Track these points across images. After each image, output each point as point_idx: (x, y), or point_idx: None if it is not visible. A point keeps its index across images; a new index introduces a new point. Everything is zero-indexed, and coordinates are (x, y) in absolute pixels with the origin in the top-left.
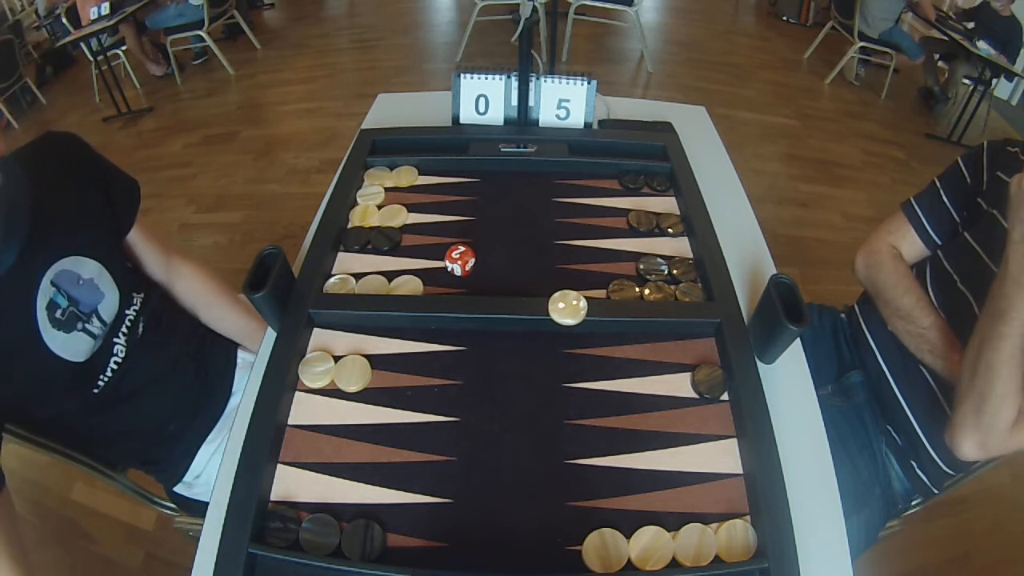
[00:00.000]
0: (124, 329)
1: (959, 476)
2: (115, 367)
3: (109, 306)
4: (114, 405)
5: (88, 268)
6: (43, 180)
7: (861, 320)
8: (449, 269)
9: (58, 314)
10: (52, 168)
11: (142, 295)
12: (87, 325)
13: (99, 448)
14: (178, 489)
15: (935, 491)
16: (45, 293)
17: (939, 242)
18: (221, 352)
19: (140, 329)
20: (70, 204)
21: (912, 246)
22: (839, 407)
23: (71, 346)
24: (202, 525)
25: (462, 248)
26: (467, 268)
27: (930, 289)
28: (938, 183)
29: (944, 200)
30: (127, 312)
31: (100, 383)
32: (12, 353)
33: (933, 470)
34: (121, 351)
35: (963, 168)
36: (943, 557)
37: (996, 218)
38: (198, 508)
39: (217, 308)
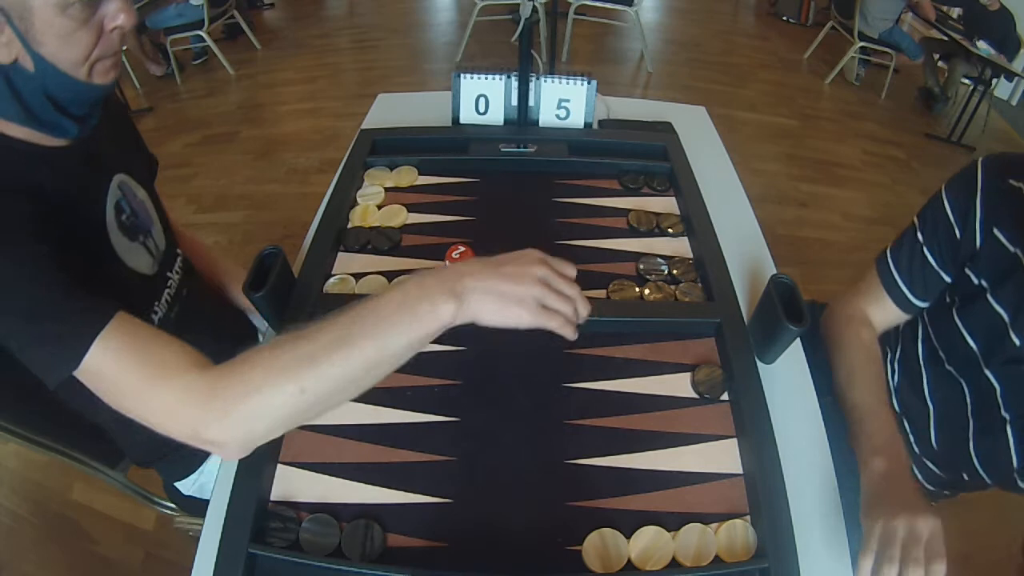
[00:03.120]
0: (175, 270)
1: (953, 495)
2: (167, 302)
3: (158, 236)
4: None
5: (139, 192)
6: (107, 105)
7: None
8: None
9: (123, 218)
10: (113, 102)
11: (182, 256)
12: (145, 242)
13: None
14: (181, 486)
15: (928, 488)
16: (114, 192)
17: (922, 306)
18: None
19: (185, 290)
20: (124, 134)
21: (887, 312)
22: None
23: (133, 256)
24: (202, 525)
25: (462, 248)
26: None
27: (921, 358)
28: (920, 233)
29: (927, 257)
30: (177, 252)
31: (156, 313)
32: (87, 239)
33: (923, 469)
34: (171, 292)
35: (949, 211)
36: None
37: (989, 304)
38: (198, 508)
39: (229, 280)
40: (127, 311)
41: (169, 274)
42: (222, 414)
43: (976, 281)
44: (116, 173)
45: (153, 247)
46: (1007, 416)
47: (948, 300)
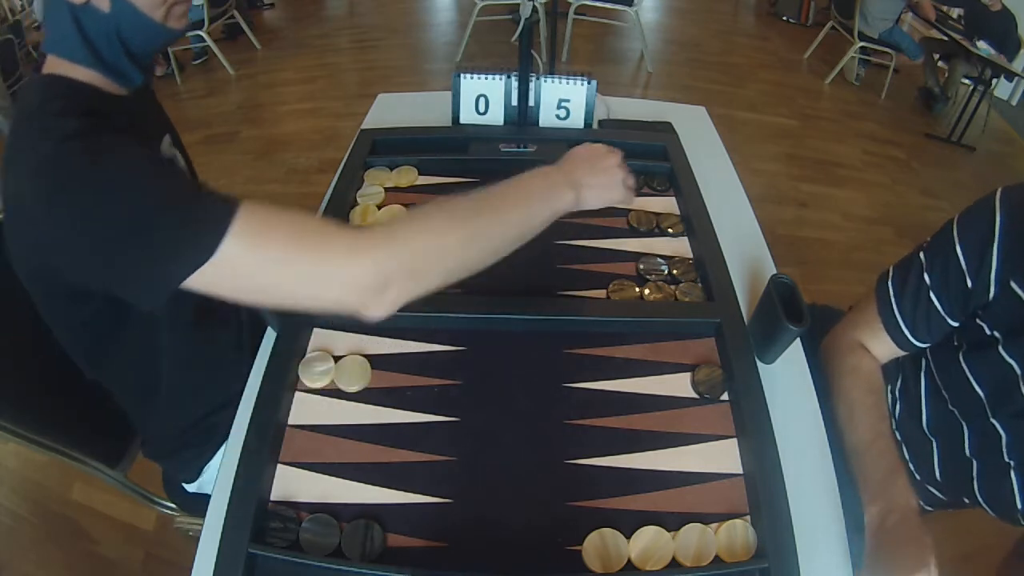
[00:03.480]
0: None
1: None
2: None
3: None
4: (198, 329)
5: (181, 161)
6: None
7: None
8: None
9: None
10: None
11: None
12: None
13: (155, 408)
14: (189, 485)
15: (928, 509)
16: (167, 149)
17: (924, 347)
18: None
19: None
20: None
21: (885, 348)
22: None
23: None
24: (202, 525)
25: None
26: None
27: (923, 393)
28: (927, 275)
29: (933, 302)
30: None
31: None
32: None
33: (924, 494)
34: None
35: (962, 258)
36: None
37: (1000, 355)
38: (198, 507)
39: None
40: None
41: None
42: (395, 251)
43: (988, 332)
44: (165, 134)
45: None
46: (1011, 461)
47: (955, 343)
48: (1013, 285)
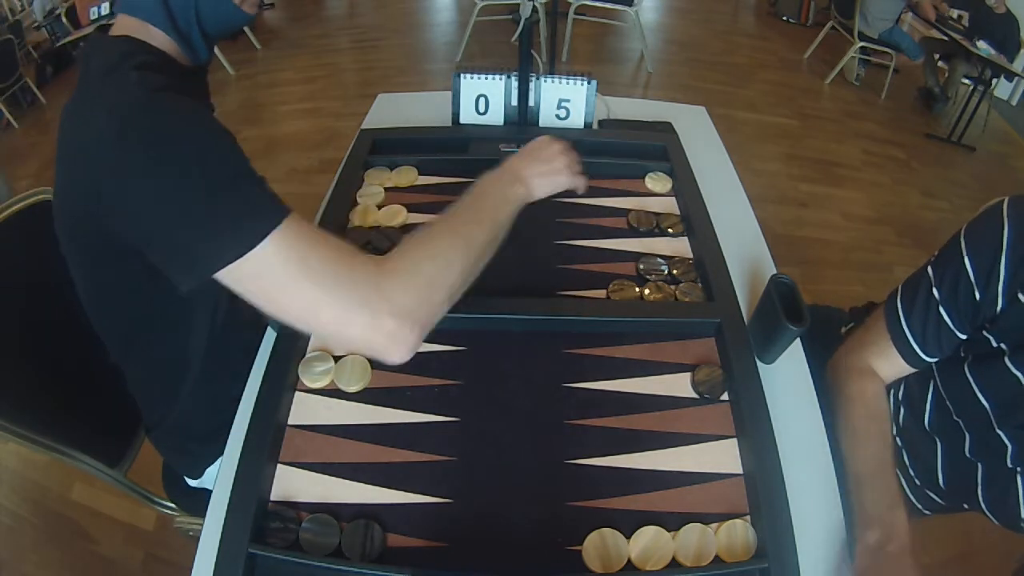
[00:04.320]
0: None
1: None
2: None
3: None
4: (230, 324)
5: None
6: None
7: None
8: None
9: None
10: None
11: None
12: None
13: (176, 394)
14: (192, 481)
15: (926, 513)
16: None
17: (933, 361)
18: None
19: None
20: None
21: (894, 366)
22: None
23: None
24: (202, 525)
25: None
26: None
27: (928, 402)
28: (936, 290)
29: (943, 316)
30: None
31: None
32: None
33: (924, 499)
34: None
35: (971, 271)
36: (943, 557)
37: (1007, 367)
38: (198, 506)
39: None
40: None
41: None
42: (401, 290)
43: (995, 344)
44: (214, 110)
45: None
46: (1016, 468)
47: (961, 354)
48: (1021, 297)
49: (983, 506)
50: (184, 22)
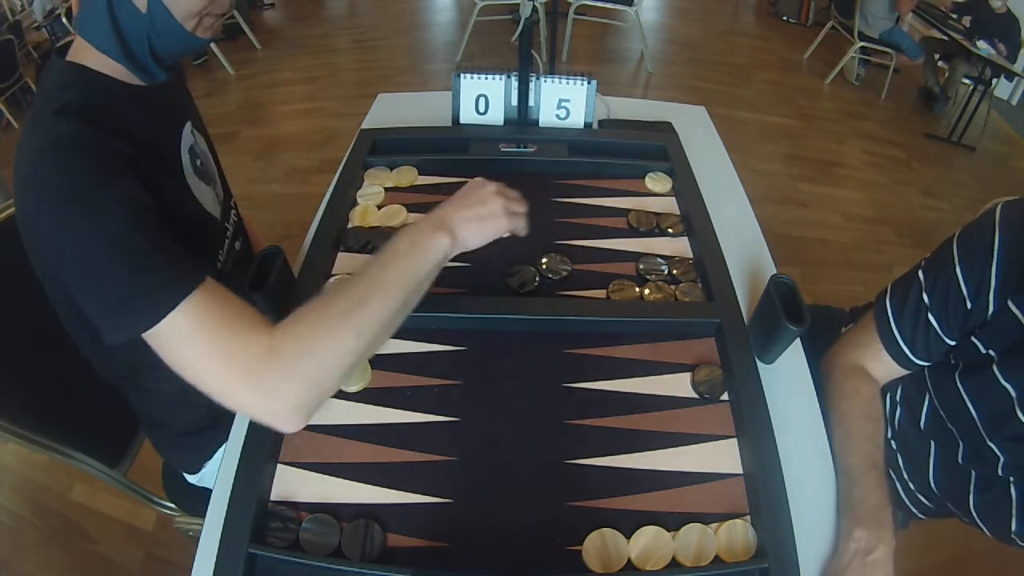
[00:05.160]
0: (231, 221)
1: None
2: (227, 251)
3: (219, 188)
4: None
5: (202, 142)
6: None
7: None
8: None
9: (197, 163)
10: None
11: (235, 208)
12: (213, 187)
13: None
14: (191, 477)
15: (921, 517)
16: (187, 137)
17: (924, 365)
18: None
19: (237, 244)
20: (186, 88)
21: (885, 368)
22: None
23: (207, 199)
24: (202, 525)
25: None
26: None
27: (924, 405)
28: (926, 295)
29: (931, 322)
30: (232, 204)
31: (219, 259)
32: (169, 180)
33: (917, 503)
34: (229, 241)
35: (961, 279)
36: (943, 557)
37: (995, 376)
38: (198, 505)
39: None
40: (207, 265)
41: (227, 224)
42: (287, 377)
43: (983, 351)
44: (187, 120)
45: (218, 194)
46: (1010, 478)
47: (952, 362)
48: (1011, 305)
49: (974, 514)
50: (137, 47)
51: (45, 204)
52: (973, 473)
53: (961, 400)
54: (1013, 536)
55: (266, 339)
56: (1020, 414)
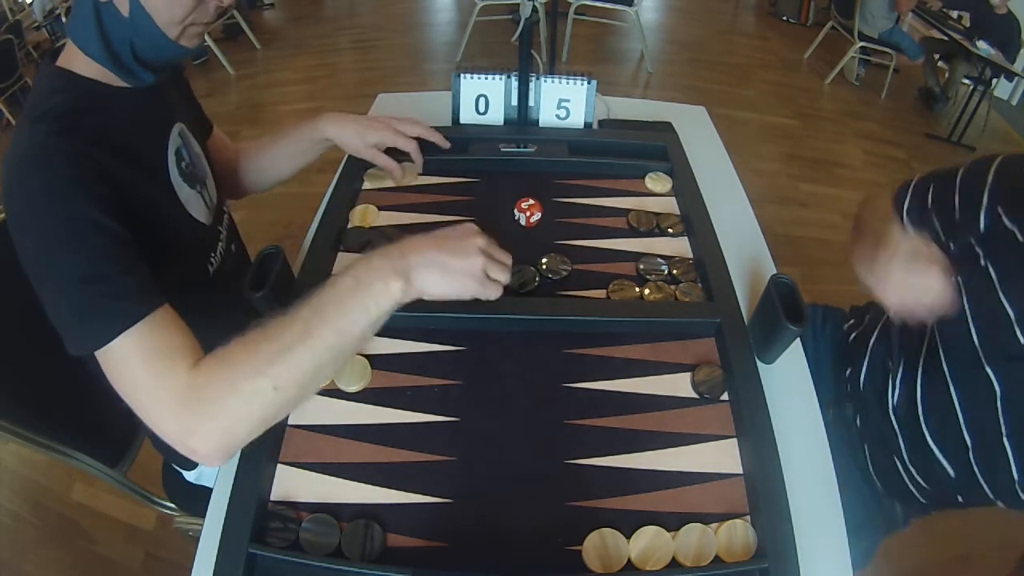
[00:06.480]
0: (224, 225)
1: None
2: (220, 255)
3: (211, 189)
4: (217, 293)
5: (195, 146)
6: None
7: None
8: (516, 218)
9: (183, 165)
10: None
11: (228, 213)
12: (202, 191)
13: None
14: (187, 474)
15: (922, 501)
16: (175, 139)
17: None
18: None
19: (232, 246)
20: (184, 88)
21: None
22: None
23: (192, 203)
24: (202, 525)
25: (532, 200)
26: (531, 220)
27: (919, 373)
28: (931, 198)
29: (935, 223)
30: (224, 209)
31: (211, 264)
32: (151, 182)
33: (917, 505)
34: (222, 244)
35: (957, 202)
36: (943, 557)
37: (992, 278)
38: (198, 504)
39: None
40: (185, 271)
41: (220, 228)
42: (204, 417)
43: (982, 263)
44: (176, 122)
45: (208, 198)
46: (1005, 428)
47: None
48: (1002, 213)
49: (978, 474)
50: (122, 51)
51: (14, 218)
52: (970, 438)
53: (964, 321)
54: (1018, 490)
55: (190, 378)
56: (1020, 334)
